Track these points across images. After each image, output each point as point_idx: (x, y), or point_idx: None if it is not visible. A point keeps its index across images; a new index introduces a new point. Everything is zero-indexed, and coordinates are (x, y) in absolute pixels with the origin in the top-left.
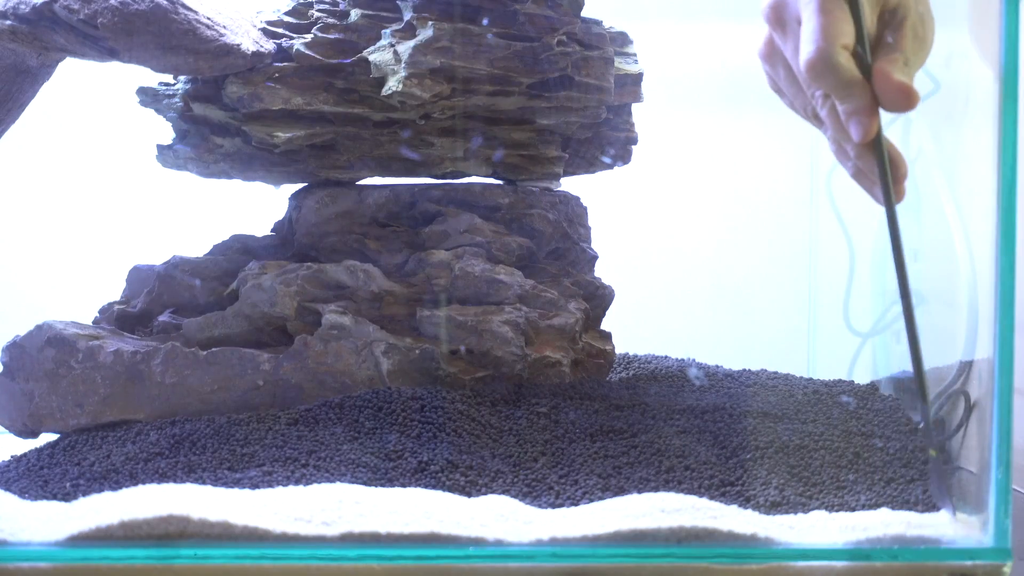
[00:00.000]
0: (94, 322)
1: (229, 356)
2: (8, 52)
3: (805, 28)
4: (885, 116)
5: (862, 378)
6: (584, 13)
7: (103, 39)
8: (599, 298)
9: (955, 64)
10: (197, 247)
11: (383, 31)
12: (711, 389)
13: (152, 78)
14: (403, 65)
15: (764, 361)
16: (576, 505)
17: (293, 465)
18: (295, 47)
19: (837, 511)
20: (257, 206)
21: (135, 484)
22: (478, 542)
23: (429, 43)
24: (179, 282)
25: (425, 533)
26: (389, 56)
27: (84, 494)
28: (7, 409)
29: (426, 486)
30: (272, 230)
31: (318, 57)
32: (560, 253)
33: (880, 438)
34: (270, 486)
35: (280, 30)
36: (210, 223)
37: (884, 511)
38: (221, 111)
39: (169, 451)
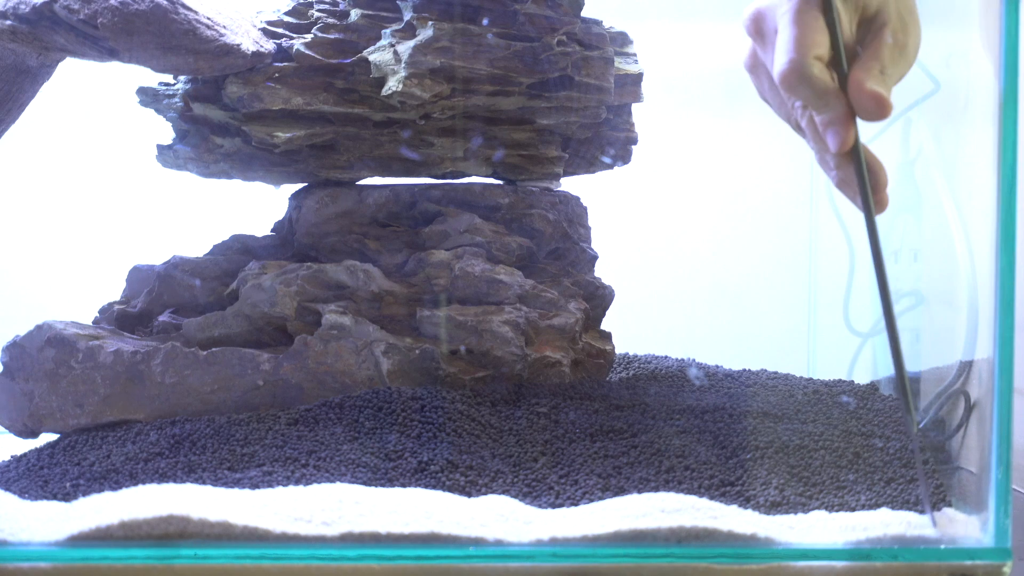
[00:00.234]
0: (94, 322)
1: (229, 356)
2: (8, 52)
3: (779, 40)
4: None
5: (862, 378)
6: (584, 13)
7: (103, 39)
8: (599, 298)
9: (955, 64)
10: (197, 247)
11: (383, 31)
12: (711, 389)
13: (152, 78)
14: (403, 65)
15: (764, 361)
16: (576, 505)
17: (293, 465)
18: (295, 47)
19: (837, 511)
20: (257, 206)
21: (135, 484)
22: (478, 542)
23: (429, 43)
24: (179, 282)
25: (425, 533)
26: (389, 56)
27: (84, 494)
28: (7, 409)
29: (426, 486)
30: (272, 230)
31: (318, 57)
32: (560, 253)
33: (880, 438)
34: (270, 486)
35: (280, 30)
36: (210, 223)
37: (884, 511)
38: (221, 111)
39: (169, 451)
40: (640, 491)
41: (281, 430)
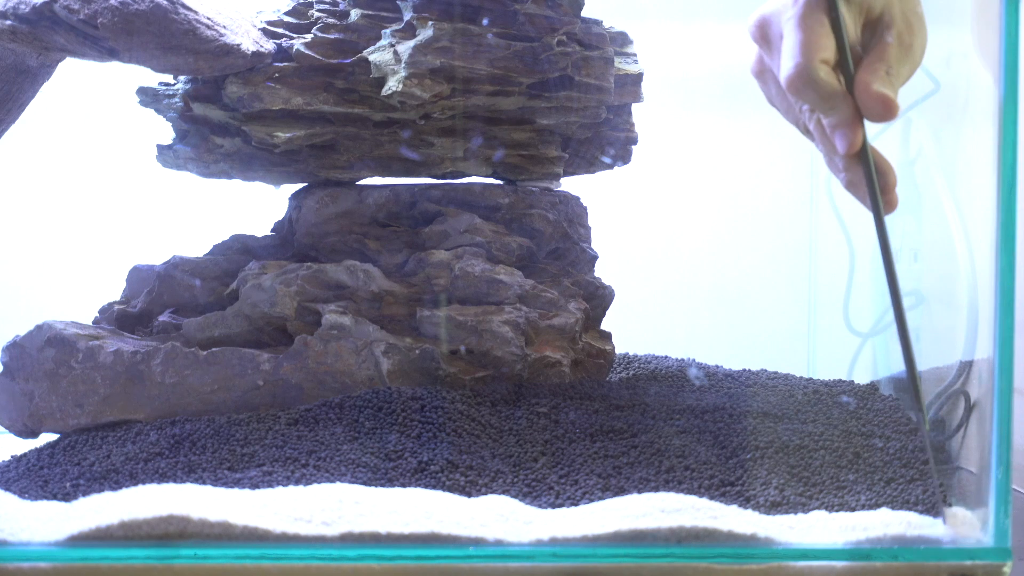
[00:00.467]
0: (94, 322)
1: (229, 356)
2: (8, 52)
3: (785, 44)
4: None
5: (862, 378)
6: (584, 13)
7: (103, 39)
8: (599, 298)
9: (955, 64)
10: (197, 247)
11: (383, 31)
12: (711, 389)
13: (152, 78)
14: (403, 65)
15: (764, 361)
16: (576, 505)
17: (293, 465)
18: (295, 47)
19: (837, 511)
20: (257, 206)
21: (135, 484)
22: (478, 542)
23: (429, 43)
24: (179, 282)
25: (425, 533)
26: (389, 56)
27: (84, 494)
28: (7, 409)
29: (426, 486)
30: (272, 230)
31: (318, 57)
32: (560, 253)
33: (880, 438)
34: (270, 486)
35: (280, 30)
36: (210, 223)
37: (884, 511)
38: (221, 111)
39: (169, 451)
40: (640, 491)
41: (281, 430)
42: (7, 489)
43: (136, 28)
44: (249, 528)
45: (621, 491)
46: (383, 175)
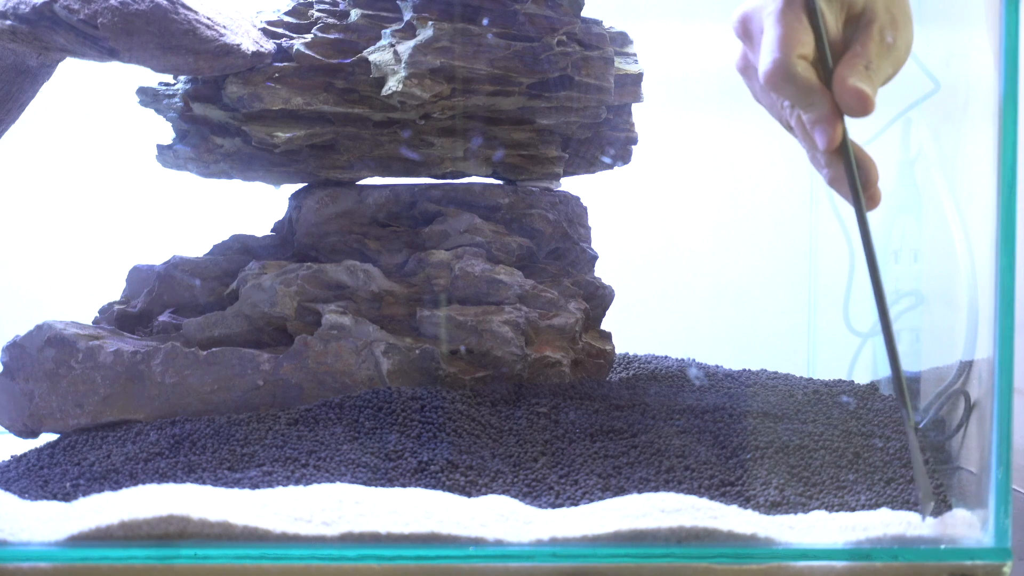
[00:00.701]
0: (94, 322)
1: (229, 356)
2: (8, 52)
3: (764, 39)
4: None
5: (862, 378)
6: (584, 13)
7: (103, 39)
8: (599, 298)
9: (955, 64)
10: (197, 247)
11: (383, 31)
12: (711, 389)
13: (152, 78)
14: (403, 65)
15: (764, 361)
16: (576, 505)
17: (293, 465)
18: (295, 47)
19: (837, 511)
20: (257, 206)
21: (135, 484)
22: (478, 542)
23: (429, 43)
24: (179, 282)
25: (425, 533)
26: (389, 56)
27: (84, 494)
28: (7, 409)
29: (426, 486)
30: (272, 230)
31: (318, 57)
32: (560, 253)
33: (880, 438)
34: (270, 486)
35: (280, 30)
36: (210, 223)
37: (884, 511)
38: (221, 111)
39: (169, 451)
40: (640, 491)
41: (281, 430)
42: (7, 489)
43: (136, 28)
44: (249, 528)
45: (621, 491)
46: (383, 175)
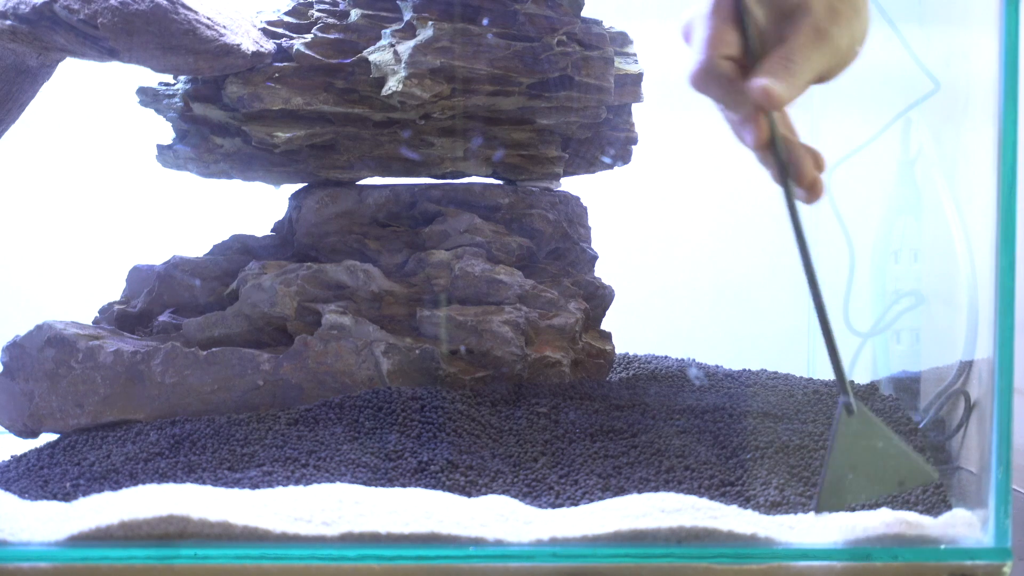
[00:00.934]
0: (94, 322)
1: (229, 356)
2: (8, 52)
3: (692, 41)
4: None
5: (862, 378)
6: (584, 13)
7: (103, 39)
8: (599, 298)
9: (955, 64)
10: (197, 247)
11: (383, 31)
12: (711, 389)
13: (152, 78)
14: (403, 65)
15: (764, 361)
16: (576, 505)
17: (293, 465)
18: (295, 47)
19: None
20: (257, 206)
21: (135, 484)
22: (478, 542)
23: (429, 43)
24: (179, 282)
25: (425, 533)
26: (389, 56)
27: (84, 494)
28: (7, 409)
29: (426, 486)
30: (272, 230)
31: (318, 57)
32: (560, 253)
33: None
34: (270, 486)
35: (280, 30)
36: (210, 223)
37: (884, 511)
38: (221, 111)
39: (169, 451)
40: (640, 491)
41: (281, 430)
42: (7, 489)
43: (136, 28)
44: (249, 528)
45: (621, 491)
46: (383, 175)
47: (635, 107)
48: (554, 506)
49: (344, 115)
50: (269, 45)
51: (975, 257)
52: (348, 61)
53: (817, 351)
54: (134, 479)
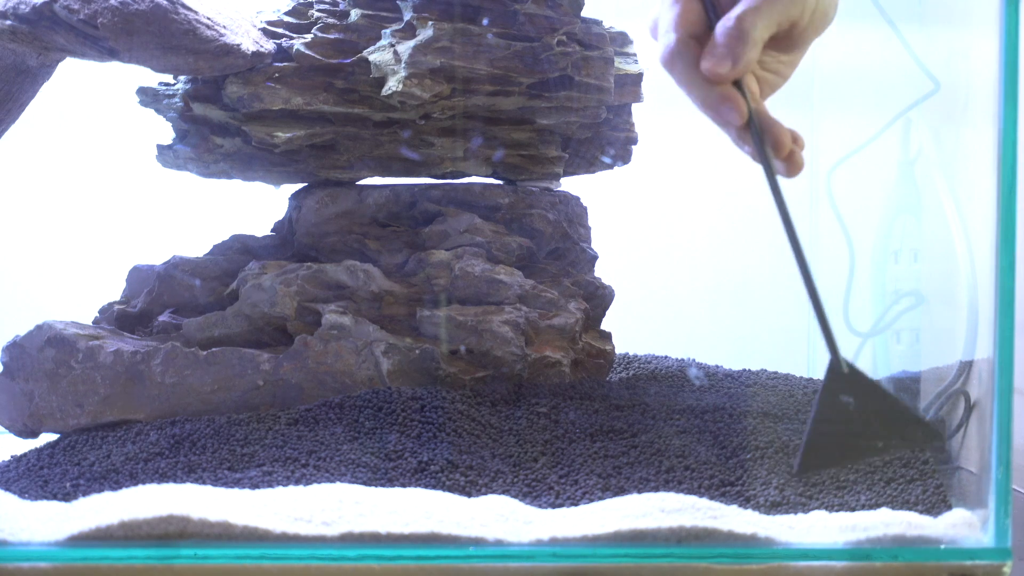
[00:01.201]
0: (94, 322)
1: (229, 356)
2: (8, 52)
3: (660, 24)
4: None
5: None
6: (584, 13)
7: (103, 39)
8: (599, 298)
9: (955, 64)
10: (197, 247)
11: (383, 31)
12: (711, 389)
13: (152, 78)
14: (403, 65)
15: (764, 361)
16: (576, 505)
17: (293, 465)
18: (295, 47)
19: (837, 511)
20: (257, 206)
21: (135, 484)
22: (478, 542)
23: (429, 43)
24: (179, 282)
25: (425, 533)
26: (389, 56)
27: (84, 494)
28: (7, 409)
29: (426, 486)
30: (272, 230)
31: (318, 57)
32: (560, 253)
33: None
34: (270, 486)
35: (280, 30)
36: (210, 223)
37: (884, 511)
38: (221, 111)
39: (169, 451)
40: (640, 491)
41: (281, 430)
42: (7, 489)
43: (136, 28)
44: (249, 528)
45: (621, 491)
46: (383, 175)
47: (635, 107)
48: (554, 506)
49: (344, 115)
50: (269, 45)
51: (975, 257)
52: (348, 61)
53: (817, 351)
54: (134, 479)
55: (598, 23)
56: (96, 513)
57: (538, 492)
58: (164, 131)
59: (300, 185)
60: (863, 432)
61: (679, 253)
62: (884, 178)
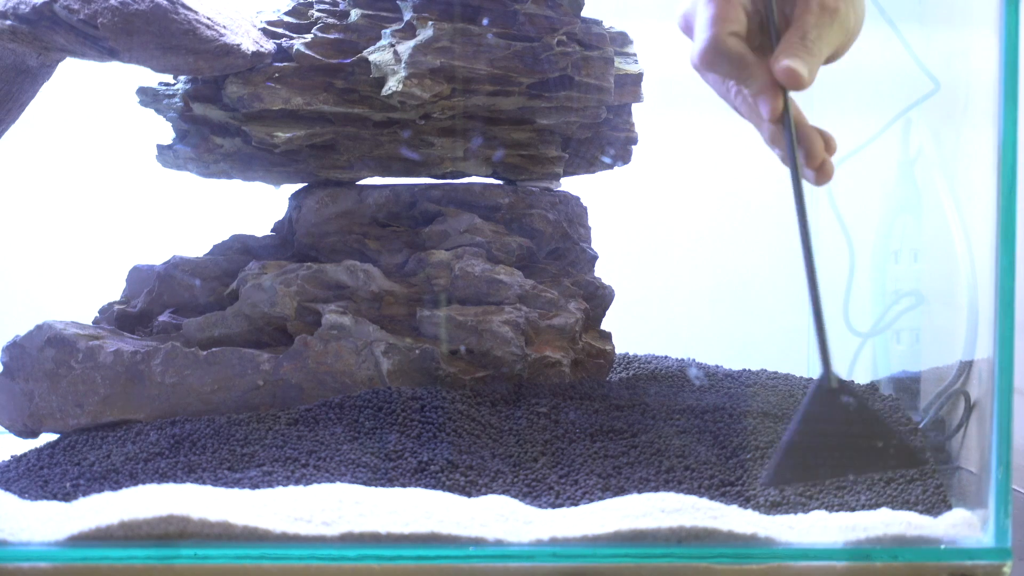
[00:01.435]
0: (94, 322)
1: (229, 356)
2: (8, 52)
3: (698, 21)
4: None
5: (862, 378)
6: (584, 13)
7: (103, 39)
8: (599, 298)
9: (955, 64)
10: (197, 247)
11: (383, 31)
12: (711, 389)
13: (152, 78)
14: (403, 65)
15: (764, 361)
16: (576, 505)
17: (293, 465)
18: (295, 47)
19: (837, 511)
20: (257, 206)
21: (135, 484)
22: (478, 542)
23: (429, 43)
24: (179, 282)
25: (425, 533)
26: (389, 56)
27: (84, 494)
28: (7, 409)
29: (426, 486)
30: (272, 230)
31: (318, 57)
32: (560, 253)
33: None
34: (270, 486)
35: (280, 30)
36: (210, 223)
37: (884, 511)
38: (221, 111)
39: (169, 451)
40: (640, 491)
41: (281, 430)
42: (7, 489)
43: (136, 28)
44: (249, 528)
45: (621, 491)
46: (383, 175)
47: (635, 107)
48: (554, 506)
49: (344, 115)
50: (269, 45)
51: (975, 257)
52: (348, 61)
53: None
54: (134, 479)
55: (598, 23)
56: (96, 513)
57: (538, 492)
58: (164, 131)
59: (300, 185)
60: (843, 450)
61: (679, 253)
62: (884, 178)
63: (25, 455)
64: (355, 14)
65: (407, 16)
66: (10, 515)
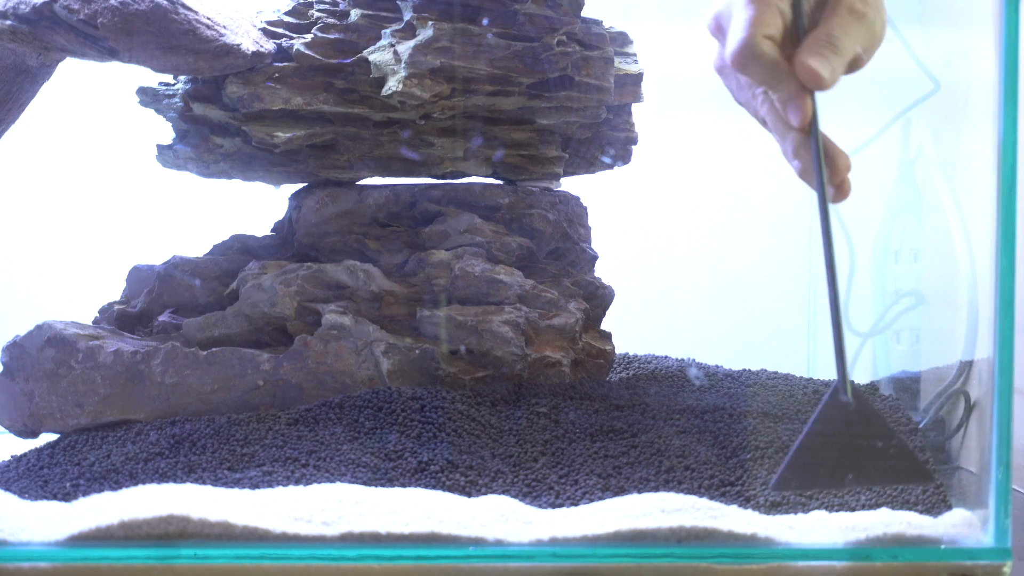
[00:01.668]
0: (94, 322)
1: (229, 356)
2: (8, 52)
3: (732, 24)
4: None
5: (862, 378)
6: (584, 13)
7: (103, 39)
8: (599, 298)
9: (955, 64)
10: (197, 247)
11: (383, 31)
12: (711, 389)
13: (152, 78)
14: (403, 65)
15: (764, 361)
16: (576, 505)
17: (293, 465)
18: (295, 47)
19: (837, 511)
20: (257, 206)
21: (135, 484)
22: (478, 542)
23: (429, 43)
24: (179, 282)
25: (425, 533)
26: (389, 56)
27: (84, 494)
28: (7, 409)
29: (426, 486)
30: (272, 230)
31: (318, 57)
32: (560, 253)
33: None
34: (270, 486)
35: (280, 30)
36: (210, 223)
37: (884, 511)
38: (221, 111)
39: (169, 451)
40: (640, 491)
41: (281, 430)
42: (7, 489)
43: (136, 28)
44: (249, 528)
45: (621, 491)
46: (383, 175)
47: (635, 107)
48: (554, 506)
49: (344, 115)
50: (269, 45)
51: (975, 257)
52: (348, 61)
53: (817, 351)
54: (134, 479)
55: (598, 23)
56: (96, 513)
57: (538, 492)
58: (164, 131)
59: (300, 185)
60: (853, 460)
61: (679, 253)
62: (884, 178)
63: (25, 455)
64: (355, 14)
65: (407, 16)
66: (10, 515)
